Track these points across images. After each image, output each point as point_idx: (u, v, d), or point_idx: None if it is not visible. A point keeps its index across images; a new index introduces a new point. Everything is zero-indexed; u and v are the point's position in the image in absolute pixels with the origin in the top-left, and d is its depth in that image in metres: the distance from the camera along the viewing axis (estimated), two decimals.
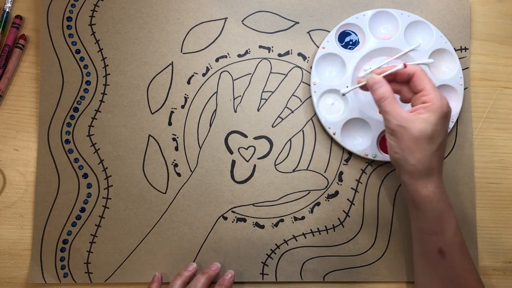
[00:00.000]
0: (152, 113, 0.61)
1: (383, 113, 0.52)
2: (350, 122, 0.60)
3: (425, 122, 0.49)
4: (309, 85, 0.61)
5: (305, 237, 0.60)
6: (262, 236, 0.60)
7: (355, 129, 0.61)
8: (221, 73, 0.62)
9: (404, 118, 0.50)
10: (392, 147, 0.52)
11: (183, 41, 0.62)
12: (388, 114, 0.51)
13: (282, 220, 0.60)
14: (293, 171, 0.61)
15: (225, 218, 0.60)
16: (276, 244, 0.60)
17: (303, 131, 0.62)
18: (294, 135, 0.61)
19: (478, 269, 0.61)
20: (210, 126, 0.61)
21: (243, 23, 0.63)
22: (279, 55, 0.62)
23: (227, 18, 0.63)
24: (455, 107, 0.61)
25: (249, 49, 0.62)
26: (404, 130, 0.50)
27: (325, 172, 0.61)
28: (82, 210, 0.60)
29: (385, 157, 0.60)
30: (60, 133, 0.60)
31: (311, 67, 0.62)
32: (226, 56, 0.62)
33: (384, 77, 0.53)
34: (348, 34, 0.62)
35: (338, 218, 0.61)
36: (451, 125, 0.61)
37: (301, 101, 0.62)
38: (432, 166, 0.50)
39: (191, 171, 0.61)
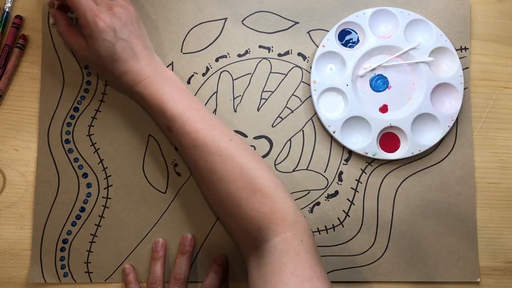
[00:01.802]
0: None
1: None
2: (350, 120, 0.60)
3: (91, 49, 0.55)
4: (309, 85, 0.61)
5: None
6: None
7: (355, 128, 0.61)
8: (221, 73, 0.62)
9: (81, 55, 0.57)
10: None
11: (183, 41, 0.62)
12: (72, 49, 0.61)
13: None
14: (293, 171, 0.61)
15: None
16: None
17: (303, 131, 0.62)
18: (294, 135, 0.61)
19: (477, 268, 0.60)
20: None
21: (243, 23, 0.63)
22: (279, 55, 0.62)
23: (227, 18, 0.63)
24: (455, 105, 0.61)
25: (249, 49, 0.62)
26: (87, 60, 0.58)
27: (325, 172, 0.61)
28: (82, 209, 0.60)
29: (385, 155, 0.60)
30: (60, 133, 0.60)
31: (311, 67, 0.62)
32: (226, 56, 0.62)
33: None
34: (348, 32, 0.62)
35: (338, 218, 0.61)
36: (451, 123, 0.61)
37: (301, 101, 0.62)
38: (119, 71, 0.55)
39: (191, 171, 0.61)
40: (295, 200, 0.61)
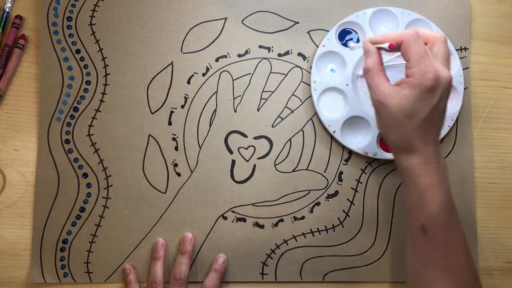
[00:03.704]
0: (152, 113, 0.61)
1: (368, 85, 0.51)
2: (350, 120, 0.60)
3: (405, 99, 0.47)
4: (309, 85, 0.61)
5: (305, 237, 0.60)
6: (262, 236, 0.60)
7: (355, 127, 0.61)
8: (221, 73, 0.62)
9: (384, 93, 0.48)
10: (376, 122, 0.52)
11: (183, 41, 0.62)
12: (370, 87, 0.50)
13: (282, 220, 0.60)
14: (293, 171, 0.61)
15: (225, 218, 0.60)
16: (276, 244, 0.60)
17: (303, 131, 0.62)
18: (294, 135, 0.61)
19: (477, 268, 0.60)
20: (210, 126, 0.61)
21: (243, 23, 0.63)
22: (279, 55, 0.62)
23: (227, 18, 0.63)
24: (456, 105, 0.61)
25: (249, 49, 0.62)
26: (383, 106, 0.49)
27: (325, 172, 0.61)
28: (82, 209, 0.60)
29: (385, 155, 0.60)
30: (60, 133, 0.60)
31: (311, 67, 0.62)
32: (226, 56, 0.62)
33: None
34: (349, 32, 0.62)
35: (338, 218, 0.61)
36: (451, 123, 0.61)
37: (301, 101, 0.62)
38: (413, 143, 0.48)
39: (191, 171, 0.61)
40: (295, 200, 0.61)
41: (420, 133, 0.48)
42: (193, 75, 0.62)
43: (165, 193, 0.60)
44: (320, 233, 0.61)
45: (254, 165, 0.61)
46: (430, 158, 0.48)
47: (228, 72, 0.62)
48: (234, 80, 0.62)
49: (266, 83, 0.62)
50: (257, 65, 0.62)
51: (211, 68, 0.62)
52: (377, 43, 0.51)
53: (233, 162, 0.61)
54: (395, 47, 0.50)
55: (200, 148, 0.61)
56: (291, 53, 0.63)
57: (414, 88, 0.47)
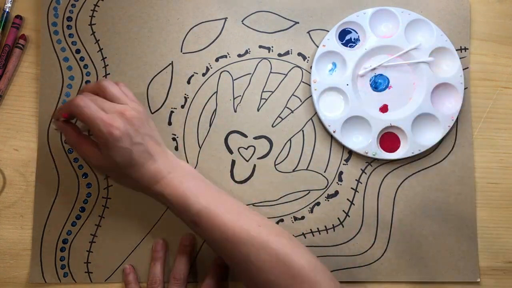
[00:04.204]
0: (152, 113, 0.61)
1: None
2: (350, 120, 0.60)
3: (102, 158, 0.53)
4: (309, 85, 0.61)
5: (305, 237, 0.60)
6: None
7: (355, 127, 0.61)
8: (221, 73, 0.62)
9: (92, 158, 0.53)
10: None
11: (183, 41, 0.62)
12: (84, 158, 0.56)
13: (282, 220, 0.60)
14: (293, 171, 0.61)
15: None
16: None
17: (303, 131, 0.62)
18: (294, 135, 0.61)
19: (477, 268, 0.60)
20: (210, 126, 0.61)
21: (243, 23, 0.63)
22: (279, 55, 0.62)
23: (227, 18, 0.63)
24: (456, 105, 0.61)
25: (249, 49, 0.62)
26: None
27: (325, 172, 0.61)
28: (82, 209, 0.60)
29: (385, 156, 0.60)
30: (60, 133, 0.60)
31: (311, 67, 0.62)
32: (226, 56, 0.62)
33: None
34: (349, 32, 0.62)
35: (338, 218, 0.61)
36: (451, 123, 0.61)
37: (301, 101, 0.62)
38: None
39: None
40: (295, 200, 0.61)
41: (138, 165, 0.52)
42: (193, 75, 0.62)
43: None
44: (320, 233, 0.61)
45: (254, 165, 0.61)
46: (158, 174, 0.53)
47: (228, 72, 0.62)
48: (234, 80, 0.62)
49: (266, 83, 0.62)
50: (257, 65, 0.62)
51: (211, 68, 0.62)
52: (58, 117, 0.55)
53: (233, 162, 0.61)
54: (68, 117, 0.54)
55: (200, 148, 0.61)
56: (291, 53, 0.63)
57: (105, 147, 0.51)
